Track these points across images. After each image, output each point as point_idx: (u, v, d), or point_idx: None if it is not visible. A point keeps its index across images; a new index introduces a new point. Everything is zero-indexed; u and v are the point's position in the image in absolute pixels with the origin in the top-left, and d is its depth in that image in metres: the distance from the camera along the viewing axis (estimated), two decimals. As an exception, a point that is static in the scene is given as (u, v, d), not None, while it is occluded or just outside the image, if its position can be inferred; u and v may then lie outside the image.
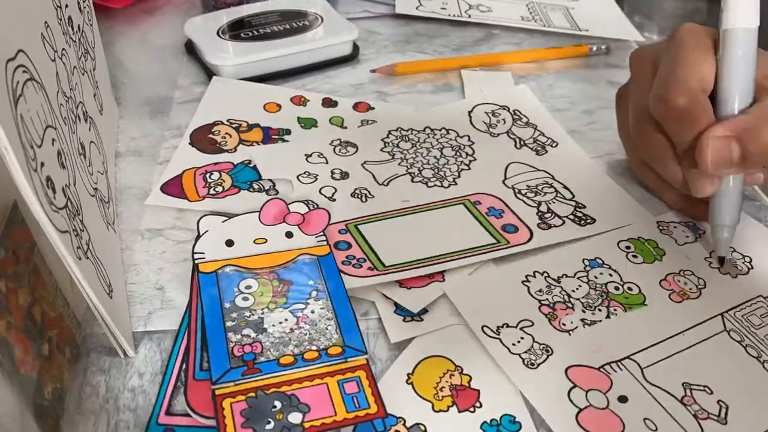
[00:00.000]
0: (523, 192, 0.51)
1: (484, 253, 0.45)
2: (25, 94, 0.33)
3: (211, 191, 0.50)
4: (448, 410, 0.37)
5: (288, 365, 0.37)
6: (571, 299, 0.42)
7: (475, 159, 0.54)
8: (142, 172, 0.52)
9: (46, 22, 0.40)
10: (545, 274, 0.43)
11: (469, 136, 0.56)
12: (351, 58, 0.67)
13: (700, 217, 0.47)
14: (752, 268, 0.45)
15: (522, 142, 0.56)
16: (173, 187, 0.50)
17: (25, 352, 0.33)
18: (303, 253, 0.44)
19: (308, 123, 0.58)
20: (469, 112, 0.59)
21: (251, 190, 0.50)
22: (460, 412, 0.37)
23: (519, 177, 0.52)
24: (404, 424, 0.36)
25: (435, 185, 0.51)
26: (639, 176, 0.52)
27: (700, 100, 0.42)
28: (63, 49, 0.43)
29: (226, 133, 0.56)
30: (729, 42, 0.42)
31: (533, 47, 0.70)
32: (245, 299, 0.41)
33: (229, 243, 0.44)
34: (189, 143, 0.54)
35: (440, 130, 0.56)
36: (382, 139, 0.55)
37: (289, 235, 0.45)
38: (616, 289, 0.43)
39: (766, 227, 0.48)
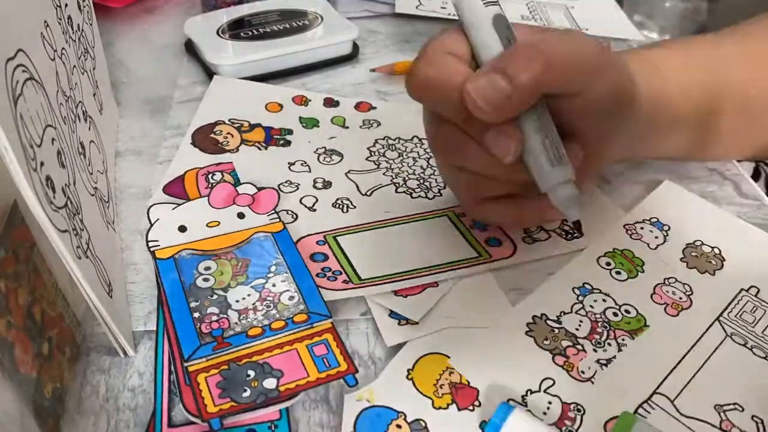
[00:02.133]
0: None
1: (465, 267, 0.44)
2: (24, 94, 0.33)
3: (212, 191, 0.50)
4: (447, 408, 0.37)
5: (257, 336, 0.39)
6: (578, 341, 0.40)
7: None
8: (142, 172, 0.52)
9: (45, 22, 0.40)
10: (544, 317, 0.41)
11: None
12: (351, 57, 0.67)
13: (546, 217, 0.44)
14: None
15: None
16: (175, 188, 0.50)
17: (25, 351, 0.33)
18: (257, 231, 0.45)
19: (310, 123, 0.58)
20: None
21: (251, 189, 0.50)
22: (459, 410, 0.37)
23: None
24: (405, 419, 0.36)
25: (419, 196, 0.50)
26: (450, 188, 0.47)
27: (450, 62, 0.37)
28: (63, 48, 0.43)
29: (228, 133, 0.56)
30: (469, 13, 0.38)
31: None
32: (206, 280, 0.42)
33: (182, 229, 0.45)
34: (191, 143, 0.54)
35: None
36: (368, 148, 0.54)
37: (240, 216, 0.46)
38: (615, 315, 0.42)
39: (728, 213, 0.49)
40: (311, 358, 0.38)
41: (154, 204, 0.47)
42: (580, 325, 0.41)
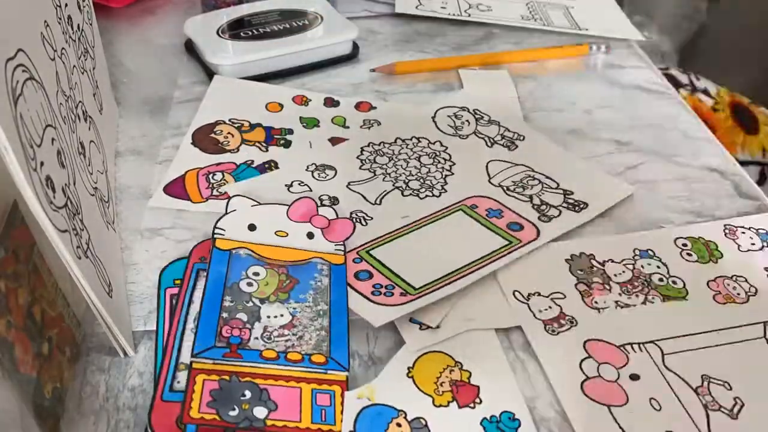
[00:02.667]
0: (512, 188, 0.51)
1: (503, 256, 0.45)
2: (24, 94, 0.33)
3: (215, 192, 0.50)
4: (448, 405, 0.37)
5: (269, 359, 0.38)
6: (610, 282, 0.42)
7: (454, 163, 0.54)
8: (142, 172, 0.52)
9: (45, 21, 0.40)
10: (591, 256, 0.43)
11: (440, 142, 0.56)
12: (351, 57, 0.67)
13: None
14: None
15: (492, 140, 0.56)
16: (176, 188, 0.50)
17: (25, 351, 0.33)
18: (318, 256, 0.44)
19: (310, 123, 0.57)
20: (433, 118, 0.58)
21: (252, 189, 0.50)
22: (460, 407, 0.37)
23: (502, 174, 0.53)
24: (405, 417, 0.36)
25: (427, 195, 0.51)
26: None
27: None
28: (62, 48, 0.43)
29: (228, 133, 0.56)
30: None
31: (533, 47, 0.70)
32: (249, 284, 0.41)
33: (252, 227, 0.45)
34: (191, 143, 0.54)
35: (411, 139, 0.56)
36: (357, 157, 0.54)
37: (310, 235, 0.45)
38: (660, 280, 0.43)
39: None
40: (311, 405, 0.36)
41: (238, 195, 0.48)
42: (620, 274, 0.43)
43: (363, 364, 0.39)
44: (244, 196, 0.48)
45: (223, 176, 0.51)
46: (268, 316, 0.40)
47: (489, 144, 0.56)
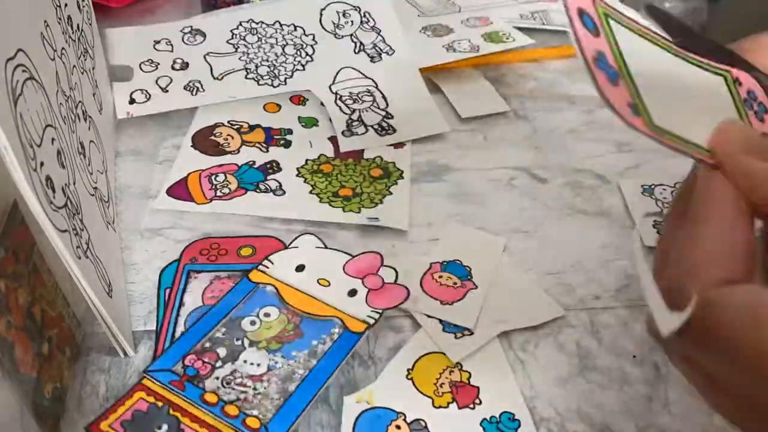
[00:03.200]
0: (343, 98, 0.52)
1: None
2: (24, 94, 0.33)
3: (218, 193, 0.50)
4: (448, 406, 0.37)
5: (207, 404, 0.36)
6: None
7: (312, 60, 0.54)
8: (142, 172, 0.52)
9: (45, 21, 0.40)
10: None
11: (314, 35, 0.55)
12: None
13: None
14: None
15: (361, 47, 0.56)
16: (179, 190, 0.50)
17: (25, 351, 0.33)
18: (341, 317, 0.41)
19: (309, 122, 0.57)
20: (322, 10, 0.58)
21: (258, 191, 0.50)
22: (460, 408, 0.37)
23: (346, 83, 0.53)
24: (405, 419, 0.36)
25: (265, 84, 0.51)
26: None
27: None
28: (62, 48, 0.43)
29: (228, 135, 0.56)
30: None
31: (533, 47, 0.70)
32: (253, 323, 0.40)
33: (300, 268, 0.43)
34: (191, 146, 0.54)
35: (289, 26, 0.56)
36: (231, 30, 0.54)
37: (352, 292, 0.42)
38: None
39: None
40: None
41: (308, 233, 0.45)
42: None
43: (363, 364, 0.39)
44: (313, 235, 0.46)
45: (226, 177, 0.51)
46: (245, 361, 0.38)
47: (356, 51, 0.56)
